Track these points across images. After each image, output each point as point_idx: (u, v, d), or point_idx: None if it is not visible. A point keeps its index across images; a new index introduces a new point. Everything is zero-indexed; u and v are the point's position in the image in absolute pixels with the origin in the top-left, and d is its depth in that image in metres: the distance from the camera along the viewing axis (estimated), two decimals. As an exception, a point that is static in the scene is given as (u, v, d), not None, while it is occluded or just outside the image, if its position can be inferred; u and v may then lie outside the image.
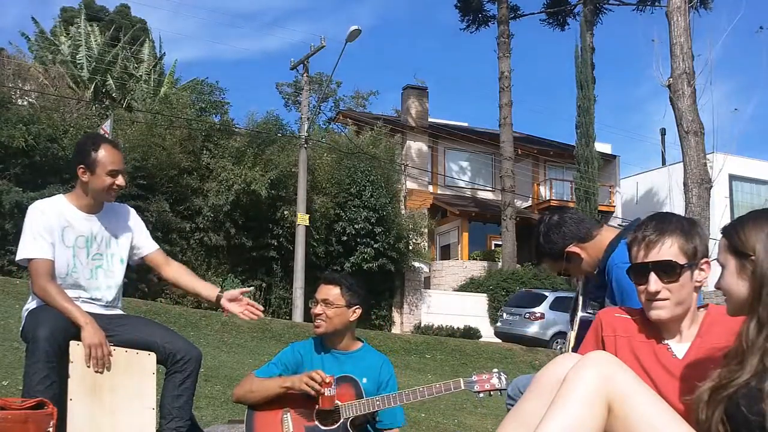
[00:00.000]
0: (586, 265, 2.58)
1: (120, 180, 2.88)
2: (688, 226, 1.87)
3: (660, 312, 1.84)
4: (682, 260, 1.83)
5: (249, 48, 66.82)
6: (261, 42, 68.21)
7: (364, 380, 2.79)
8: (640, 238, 1.88)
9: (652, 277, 1.83)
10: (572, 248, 2.56)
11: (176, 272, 3.10)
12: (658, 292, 1.83)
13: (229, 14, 64.78)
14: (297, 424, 2.76)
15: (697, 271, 1.85)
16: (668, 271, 1.82)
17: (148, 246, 3.09)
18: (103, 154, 2.83)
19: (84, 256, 2.88)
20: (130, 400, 2.71)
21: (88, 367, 2.66)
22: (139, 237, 3.06)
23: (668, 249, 1.83)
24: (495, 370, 2.83)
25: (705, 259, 1.86)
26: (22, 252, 2.78)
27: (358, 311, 2.87)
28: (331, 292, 2.84)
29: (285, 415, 2.78)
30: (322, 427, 2.74)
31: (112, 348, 2.74)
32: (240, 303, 3.01)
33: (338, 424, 2.73)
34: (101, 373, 2.69)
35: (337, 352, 2.89)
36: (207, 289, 3.07)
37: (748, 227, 1.56)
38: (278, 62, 73.37)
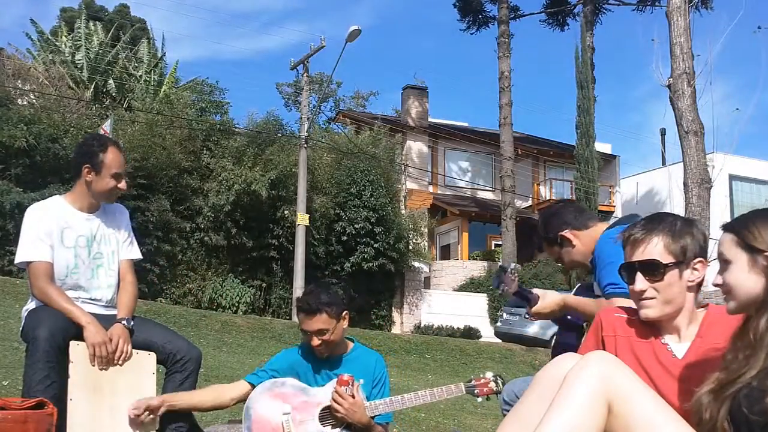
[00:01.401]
0: (578, 253, 2.72)
1: (122, 184, 2.90)
2: (681, 226, 1.87)
3: (648, 311, 1.86)
4: (667, 259, 1.83)
5: (249, 48, 66.76)
6: (261, 42, 68.24)
7: (361, 381, 2.79)
8: (626, 237, 1.90)
9: (638, 276, 1.85)
10: (566, 233, 2.73)
11: (120, 288, 2.99)
12: (644, 291, 1.84)
13: (229, 14, 64.85)
14: (298, 426, 2.75)
15: (688, 271, 1.85)
16: (653, 270, 1.83)
17: (123, 253, 3.03)
18: (110, 156, 2.85)
19: (85, 256, 2.88)
20: (131, 400, 2.71)
21: (93, 366, 2.68)
22: (124, 239, 3.05)
23: (653, 248, 1.84)
24: (489, 374, 2.88)
25: (699, 259, 1.86)
26: (21, 255, 2.79)
27: (347, 315, 2.87)
28: (320, 320, 2.77)
29: (285, 416, 2.77)
30: (323, 429, 2.74)
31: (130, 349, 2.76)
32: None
33: (340, 426, 2.73)
34: (106, 370, 2.70)
35: (332, 357, 2.89)
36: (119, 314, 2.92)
37: (761, 223, 1.57)
38: (278, 62, 73.25)
